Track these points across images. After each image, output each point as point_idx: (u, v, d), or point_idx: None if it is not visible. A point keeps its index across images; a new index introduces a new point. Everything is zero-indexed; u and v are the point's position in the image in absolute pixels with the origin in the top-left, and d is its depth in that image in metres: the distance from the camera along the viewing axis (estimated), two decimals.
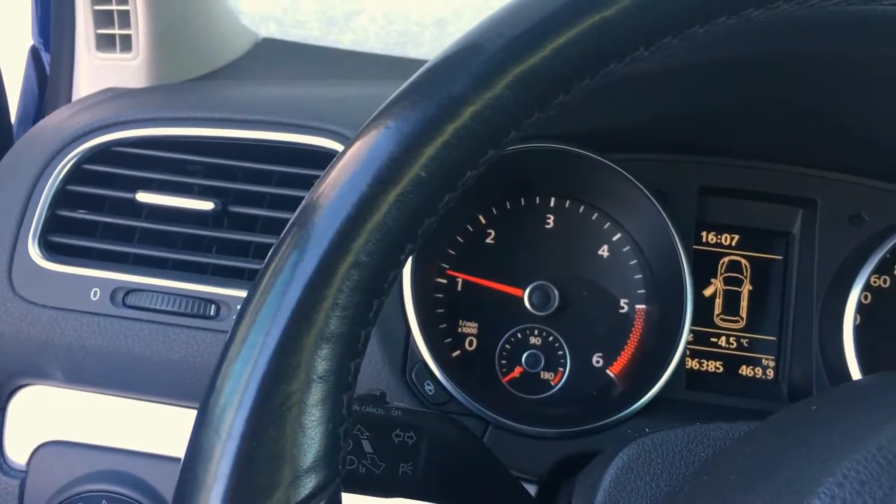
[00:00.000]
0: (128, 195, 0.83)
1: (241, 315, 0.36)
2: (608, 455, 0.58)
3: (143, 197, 0.82)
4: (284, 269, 0.35)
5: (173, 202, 0.82)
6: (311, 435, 0.34)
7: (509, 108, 0.37)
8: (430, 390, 0.78)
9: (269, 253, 0.37)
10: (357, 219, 0.35)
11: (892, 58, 0.65)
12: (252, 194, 0.83)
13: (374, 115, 0.38)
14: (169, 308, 0.79)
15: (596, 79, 0.39)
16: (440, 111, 0.36)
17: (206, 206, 0.81)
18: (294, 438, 0.34)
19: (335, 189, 0.36)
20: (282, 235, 0.37)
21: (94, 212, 0.84)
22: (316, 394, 0.34)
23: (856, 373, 0.83)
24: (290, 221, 0.37)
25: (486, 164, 0.38)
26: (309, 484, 0.34)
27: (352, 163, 0.37)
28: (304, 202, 0.38)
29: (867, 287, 0.85)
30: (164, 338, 0.79)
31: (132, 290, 0.80)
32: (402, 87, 0.38)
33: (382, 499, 0.58)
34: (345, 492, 0.49)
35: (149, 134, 0.85)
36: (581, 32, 0.37)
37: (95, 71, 1.02)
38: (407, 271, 0.80)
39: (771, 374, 0.90)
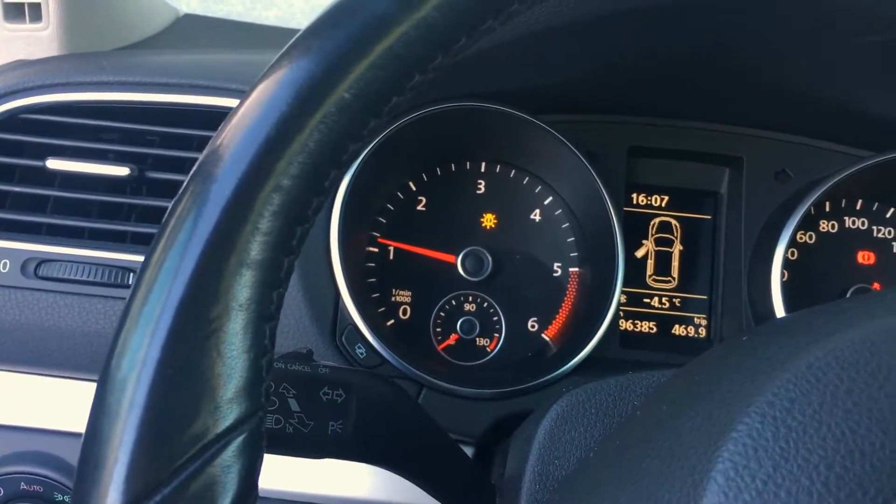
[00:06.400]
0: (38, 164, 0.79)
1: (156, 240, 0.34)
2: (542, 410, 0.58)
3: (53, 164, 0.78)
4: (201, 192, 0.34)
5: (86, 168, 0.78)
6: (232, 364, 0.33)
7: (436, 31, 0.36)
8: (362, 353, 0.77)
9: (187, 178, 0.35)
10: (278, 140, 0.34)
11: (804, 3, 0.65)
12: (171, 159, 0.80)
13: (296, 36, 0.36)
14: (85, 278, 0.75)
15: (525, 6, 0.38)
16: (365, 30, 0.35)
17: (122, 171, 0.78)
18: (213, 367, 0.32)
19: (255, 110, 0.35)
20: (200, 159, 0.35)
21: (3, 181, 0.80)
22: (237, 321, 0.33)
23: None
24: (209, 145, 0.36)
25: (412, 91, 0.37)
26: (230, 415, 0.33)
27: (272, 84, 0.35)
28: (222, 125, 0.36)
29: (793, 243, 0.86)
30: (80, 309, 0.76)
31: (45, 260, 0.76)
32: (324, 9, 0.37)
33: (312, 460, 0.56)
34: (272, 453, 0.47)
35: (58, 99, 0.81)
36: None
37: (4, 43, 0.97)
38: (334, 230, 0.78)
39: (703, 332, 0.91)
